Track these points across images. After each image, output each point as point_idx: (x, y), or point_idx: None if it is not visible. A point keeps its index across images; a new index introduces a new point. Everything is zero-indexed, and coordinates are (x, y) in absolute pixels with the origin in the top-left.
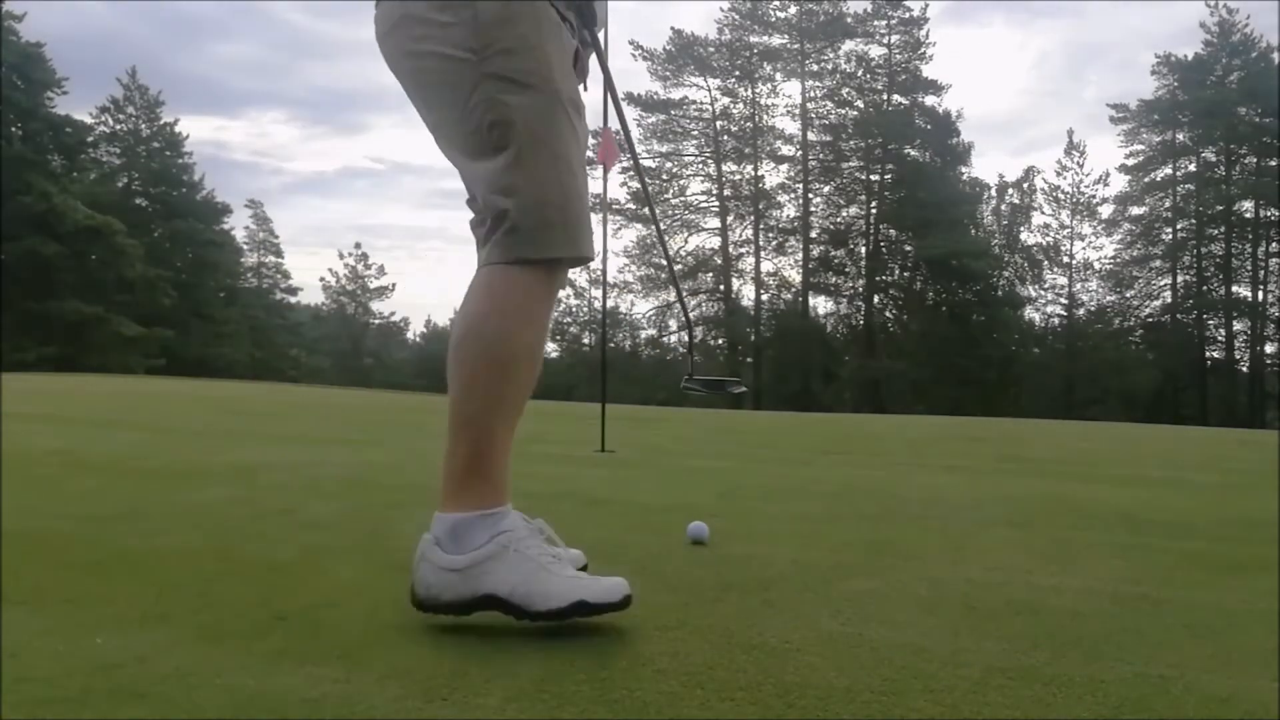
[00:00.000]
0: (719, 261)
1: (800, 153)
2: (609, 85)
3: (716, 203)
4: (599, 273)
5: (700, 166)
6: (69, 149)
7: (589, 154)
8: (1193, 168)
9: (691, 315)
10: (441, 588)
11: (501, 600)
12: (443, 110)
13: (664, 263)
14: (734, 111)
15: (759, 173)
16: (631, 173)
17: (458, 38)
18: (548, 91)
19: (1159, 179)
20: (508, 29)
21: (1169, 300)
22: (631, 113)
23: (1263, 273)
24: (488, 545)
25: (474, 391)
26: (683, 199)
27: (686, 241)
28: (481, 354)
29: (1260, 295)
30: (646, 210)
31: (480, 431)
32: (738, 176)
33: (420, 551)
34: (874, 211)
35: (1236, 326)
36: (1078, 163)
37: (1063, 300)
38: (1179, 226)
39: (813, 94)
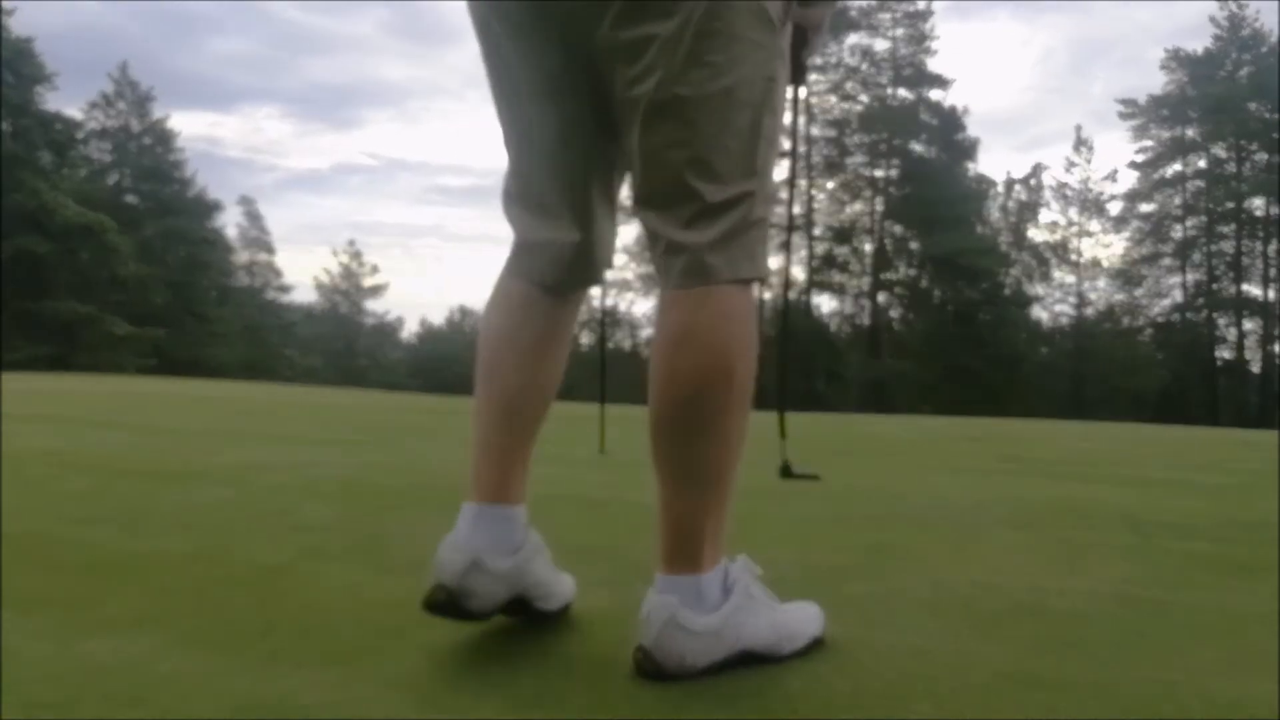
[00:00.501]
0: None
1: (804, 148)
2: None
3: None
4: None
5: None
6: (59, 145)
7: None
8: (1203, 164)
9: None
10: (697, 654)
11: (758, 653)
12: (744, 68)
13: None
14: None
15: None
16: None
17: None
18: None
19: (1169, 175)
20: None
21: (1179, 299)
22: None
23: (1274, 271)
24: (733, 597)
25: (730, 438)
26: None
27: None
28: (741, 394)
29: (1271, 294)
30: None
31: (729, 483)
32: None
33: (663, 619)
34: (879, 208)
35: (1247, 326)
36: (1086, 159)
37: (1071, 299)
38: (1189, 224)
39: (817, 88)
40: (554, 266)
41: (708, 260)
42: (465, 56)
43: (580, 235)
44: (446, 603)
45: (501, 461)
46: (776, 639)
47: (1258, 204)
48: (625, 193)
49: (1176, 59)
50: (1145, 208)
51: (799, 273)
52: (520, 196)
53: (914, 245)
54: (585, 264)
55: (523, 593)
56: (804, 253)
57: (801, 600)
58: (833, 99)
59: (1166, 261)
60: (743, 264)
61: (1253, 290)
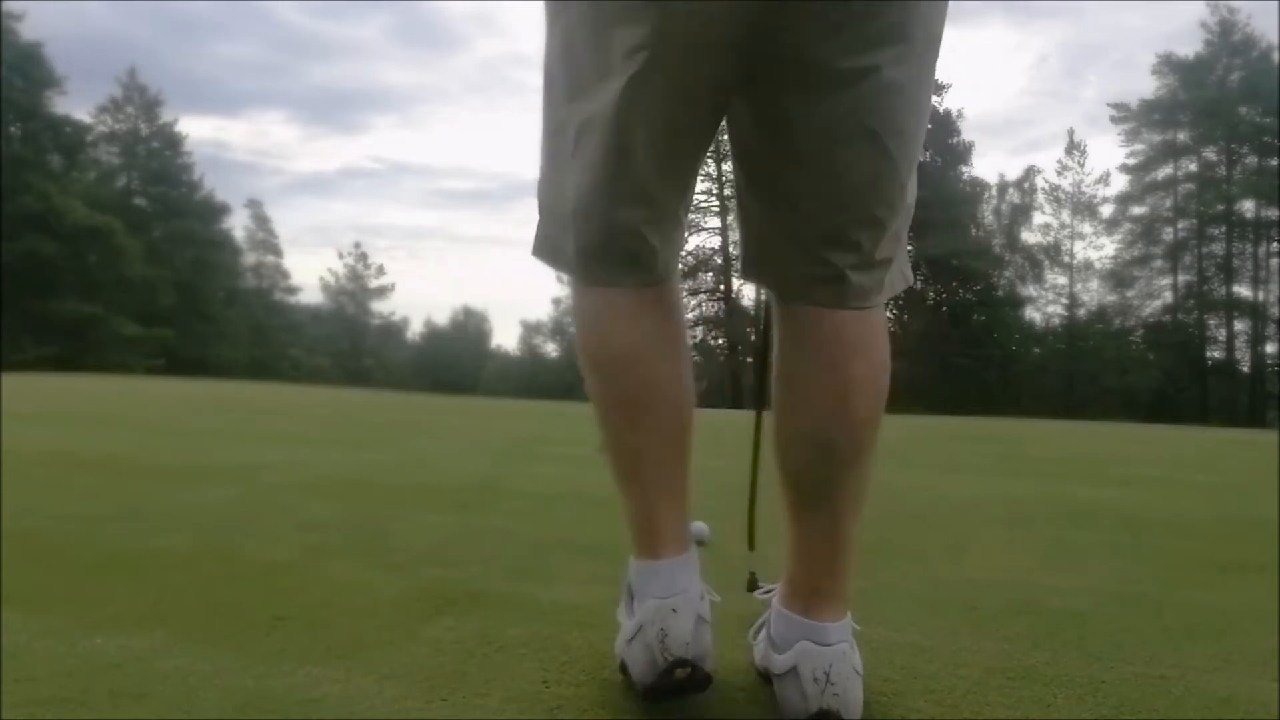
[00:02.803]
0: (719, 261)
1: None
2: None
3: (716, 202)
4: None
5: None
6: (68, 148)
7: None
8: (1194, 167)
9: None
10: (860, 697)
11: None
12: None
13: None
14: None
15: None
16: None
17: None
18: None
19: (1160, 178)
20: None
21: (1170, 300)
22: None
23: (1264, 273)
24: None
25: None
26: None
27: (687, 241)
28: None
29: (1261, 295)
30: None
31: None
32: None
33: (847, 671)
34: None
35: (1237, 326)
36: (1078, 162)
37: (1063, 300)
38: (1180, 226)
39: None
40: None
41: (885, 278)
42: (468, 61)
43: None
44: (690, 679)
45: (684, 503)
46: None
47: (1248, 207)
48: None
49: (1168, 63)
50: (1137, 210)
51: None
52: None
53: (909, 247)
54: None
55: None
56: None
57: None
58: None
59: (1158, 263)
60: (899, 282)
61: (1243, 291)
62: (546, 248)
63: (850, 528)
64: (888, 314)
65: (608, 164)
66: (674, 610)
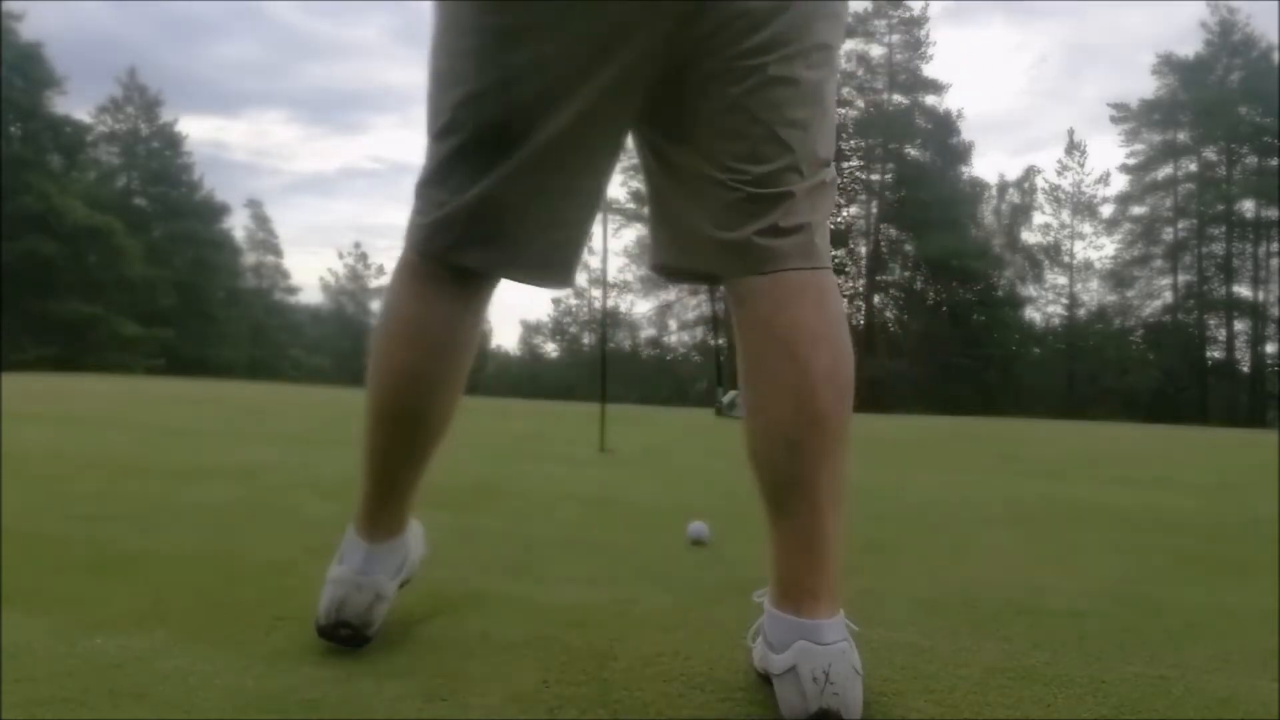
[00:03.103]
0: None
1: None
2: None
3: None
4: (599, 273)
5: None
6: (68, 148)
7: None
8: (1194, 167)
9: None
10: (861, 699)
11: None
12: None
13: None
14: None
15: None
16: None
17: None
18: None
19: (1160, 179)
20: None
21: (1170, 300)
22: None
23: (1264, 273)
24: None
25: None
26: None
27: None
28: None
29: (1261, 295)
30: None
31: None
32: None
33: (847, 670)
34: (874, 211)
35: (1237, 326)
36: (1078, 162)
37: (1063, 300)
38: (1180, 226)
39: None
40: None
41: (818, 241)
42: None
43: None
44: (352, 637)
45: (409, 496)
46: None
47: (1248, 206)
48: (625, 198)
49: (1168, 63)
50: (1137, 210)
51: None
52: None
53: (909, 248)
54: None
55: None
56: None
57: None
58: None
59: (1158, 263)
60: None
61: (1243, 291)
62: None
63: (830, 524)
64: (887, 314)
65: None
66: (358, 587)
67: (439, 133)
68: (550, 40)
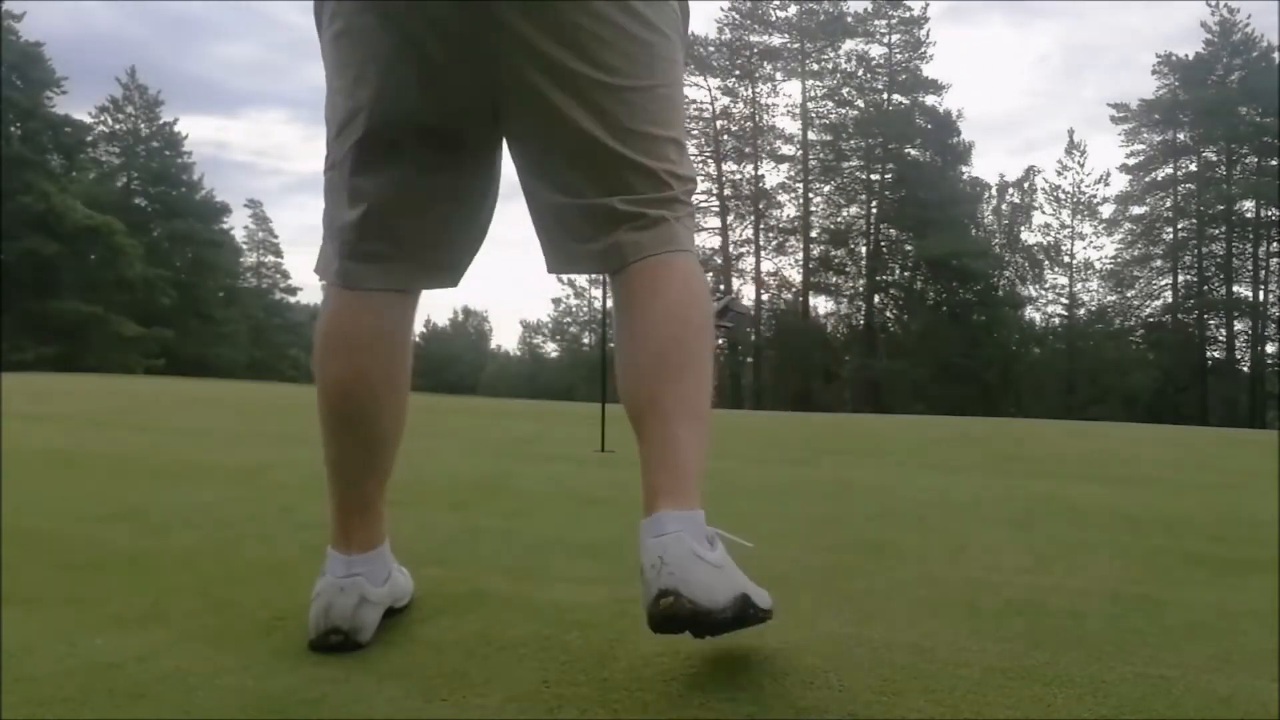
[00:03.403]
0: (719, 261)
1: (800, 152)
2: None
3: (716, 202)
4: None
5: (700, 166)
6: (68, 148)
7: None
8: (1194, 167)
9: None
10: (721, 588)
11: (751, 601)
12: (668, 85)
13: None
14: (734, 111)
15: (759, 172)
16: None
17: (683, 26)
18: None
19: (1160, 178)
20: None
21: (1170, 300)
22: None
23: (1263, 273)
24: (717, 540)
25: (709, 379)
26: None
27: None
28: (712, 342)
29: (1261, 295)
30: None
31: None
32: (738, 176)
33: (682, 551)
34: (874, 211)
35: (1237, 326)
36: (1078, 162)
37: (1063, 300)
38: (1180, 226)
39: (813, 93)
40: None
41: (675, 230)
42: None
43: None
44: (344, 644)
45: (373, 502)
46: (755, 591)
47: (1248, 206)
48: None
49: (1168, 63)
50: (1137, 210)
51: (796, 275)
52: None
53: (909, 248)
54: None
55: (390, 605)
56: (800, 255)
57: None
58: (829, 104)
59: (1158, 263)
60: (689, 236)
61: (1243, 291)
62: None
63: (681, 430)
64: (887, 314)
65: None
66: (340, 590)
67: (326, 169)
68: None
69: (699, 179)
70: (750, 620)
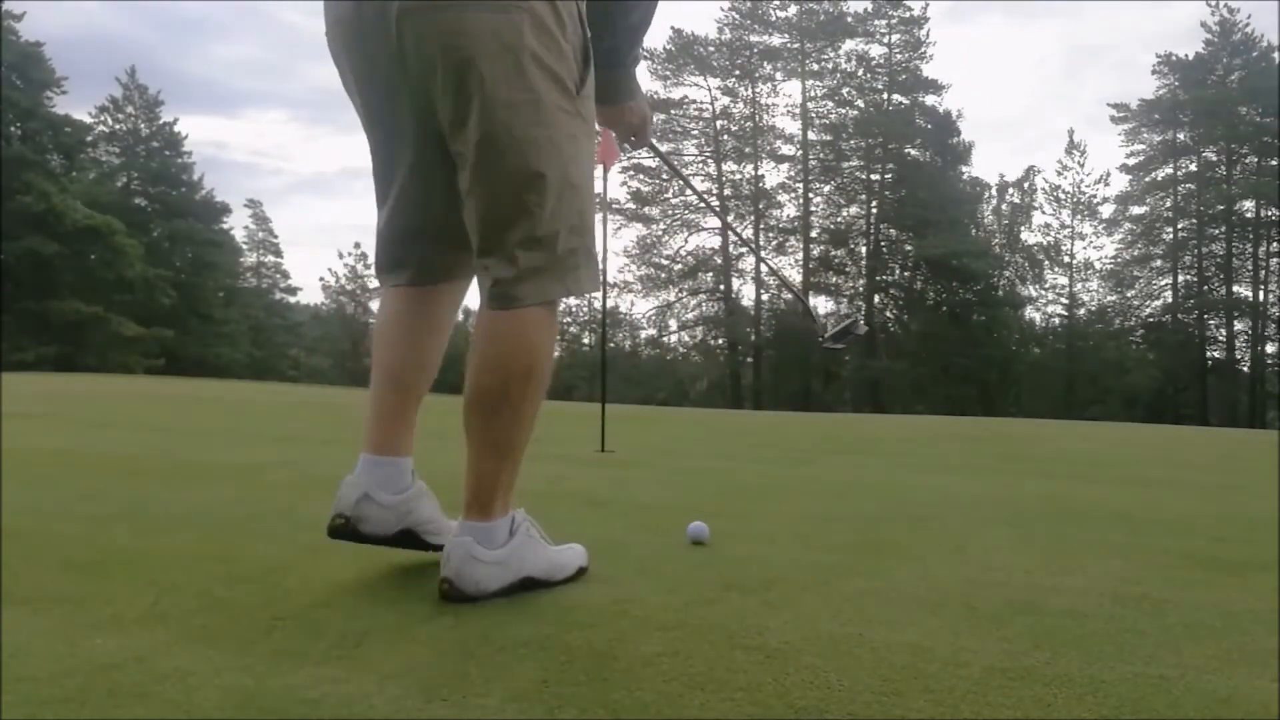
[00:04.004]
0: (719, 261)
1: (800, 152)
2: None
3: (717, 202)
4: (599, 272)
5: (700, 166)
6: (68, 148)
7: None
8: (1194, 167)
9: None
10: (489, 580)
11: (536, 579)
12: (522, 128)
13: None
14: (734, 111)
15: (759, 172)
16: (632, 172)
17: (570, 69)
18: (592, 140)
19: (1160, 178)
20: (588, 72)
21: (1170, 300)
22: None
23: (1263, 272)
24: (516, 537)
25: (524, 420)
26: (683, 198)
27: (687, 241)
28: (538, 387)
29: (1261, 295)
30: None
31: (520, 453)
32: (738, 176)
33: (461, 554)
34: (874, 211)
35: (1237, 326)
36: (1078, 162)
37: (1063, 300)
38: (1180, 226)
39: (813, 93)
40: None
41: (533, 289)
42: None
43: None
44: (345, 528)
45: (390, 420)
46: (550, 569)
47: (1248, 206)
48: (625, 198)
49: (1168, 63)
50: (1136, 210)
51: (796, 275)
52: None
53: (909, 247)
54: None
55: (411, 527)
56: (800, 255)
57: (579, 545)
58: (829, 104)
59: (1157, 263)
60: (555, 289)
61: (1243, 291)
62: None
63: (484, 462)
64: (887, 314)
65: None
66: (351, 484)
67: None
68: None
69: (700, 178)
70: (530, 588)
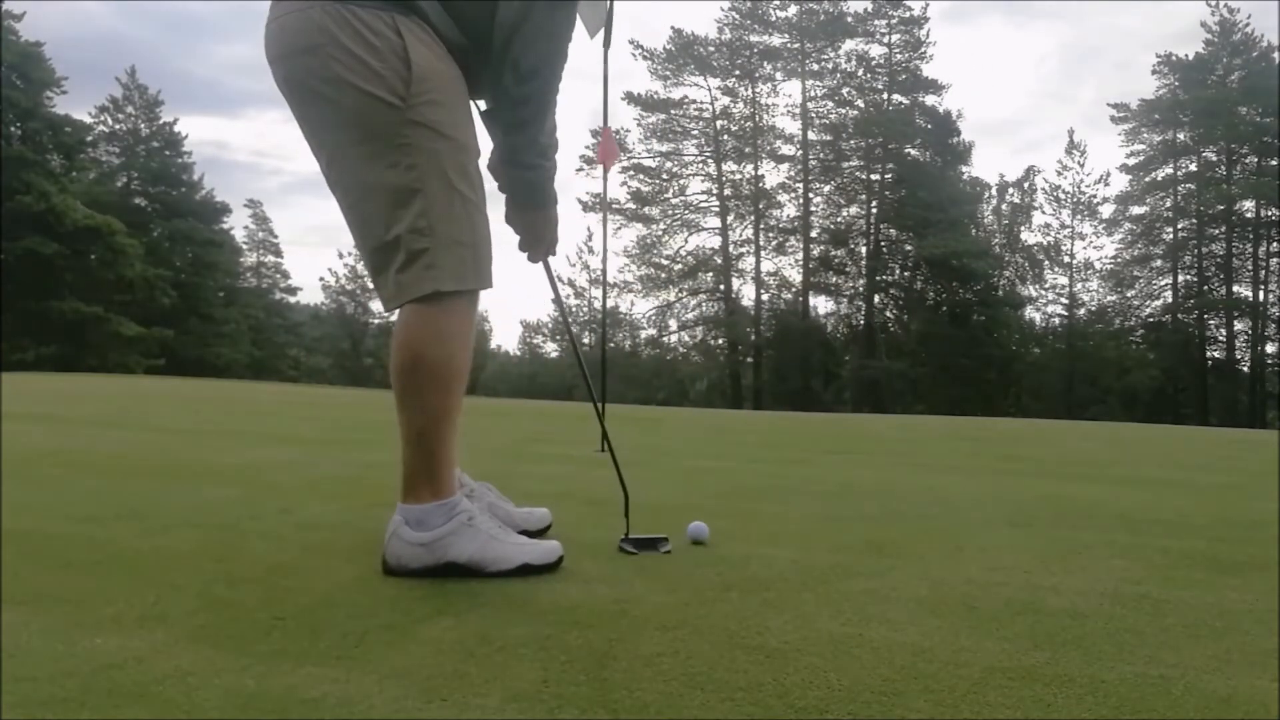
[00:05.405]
0: (719, 261)
1: (800, 152)
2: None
3: (716, 202)
4: (599, 273)
5: (700, 166)
6: (68, 148)
7: (589, 153)
8: (1194, 167)
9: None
10: (409, 558)
11: (461, 565)
12: (351, 145)
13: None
14: (734, 111)
15: (759, 172)
16: (632, 172)
17: (388, 83)
18: (461, 140)
19: (1160, 178)
20: (434, 83)
21: (1170, 300)
22: (631, 112)
23: (1263, 272)
24: (447, 524)
25: (425, 410)
26: (683, 199)
27: (687, 241)
28: (429, 378)
29: (1261, 295)
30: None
31: (432, 441)
32: (738, 176)
33: (390, 530)
34: (874, 211)
35: (1237, 326)
36: (1078, 162)
37: (1063, 300)
38: (1180, 226)
39: (813, 93)
40: None
41: (395, 294)
42: None
43: None
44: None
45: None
46: (481, 560)
47: (1248, 206)
48: (625, 198)
49: (1168, 63)
50: (1137, 210)
51: (796, 275)
52: (491, 251)
53: (909, 247)
54: None
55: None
56: (800, 255)
57: (552, 542)
58: (829, 104)
59: (1157, 263)
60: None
61: (1243, 291)
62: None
63: (404, 450)
64: (887, 314)
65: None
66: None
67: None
68: None
69: (700, 178)
70: (457, 573)
